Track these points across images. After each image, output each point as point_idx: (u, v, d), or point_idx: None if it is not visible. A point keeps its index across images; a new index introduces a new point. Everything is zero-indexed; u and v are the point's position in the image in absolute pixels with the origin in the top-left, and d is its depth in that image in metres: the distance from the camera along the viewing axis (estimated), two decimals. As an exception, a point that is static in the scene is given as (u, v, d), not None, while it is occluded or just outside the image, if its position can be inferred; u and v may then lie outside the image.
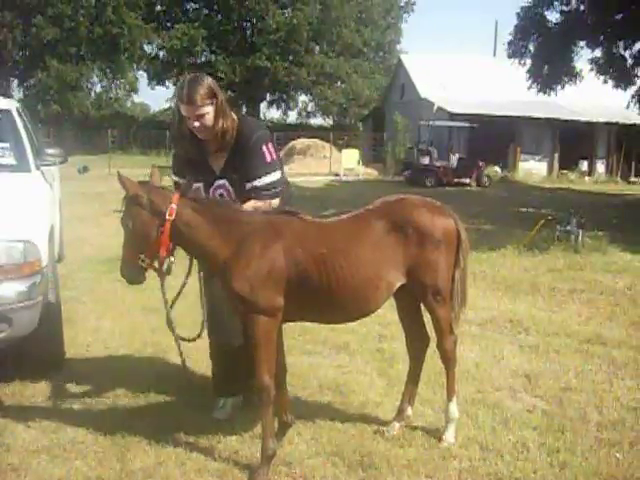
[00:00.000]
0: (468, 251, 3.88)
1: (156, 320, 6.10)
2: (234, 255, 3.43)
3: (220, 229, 3.47)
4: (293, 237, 3.50)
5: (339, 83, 43.94)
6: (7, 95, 20.63)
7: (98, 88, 45.86)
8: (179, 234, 3.45)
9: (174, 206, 3.43)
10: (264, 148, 3.79)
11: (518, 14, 20.57)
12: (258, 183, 3.77)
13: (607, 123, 29.65)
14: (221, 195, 3.93)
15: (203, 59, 44.27)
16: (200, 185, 3.92)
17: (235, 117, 3.84)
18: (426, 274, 3.67)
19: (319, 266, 3.47)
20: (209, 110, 3.68)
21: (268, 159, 3.80)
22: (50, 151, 6.13)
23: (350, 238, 3.58)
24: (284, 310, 3.51)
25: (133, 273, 3.53)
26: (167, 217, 3.41)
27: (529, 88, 21.32)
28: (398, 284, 3.68)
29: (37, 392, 4.49)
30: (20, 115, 6.47)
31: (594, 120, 29.38)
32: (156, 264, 3.50)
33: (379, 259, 3.58)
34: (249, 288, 3.40)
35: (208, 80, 3.73)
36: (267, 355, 3.47)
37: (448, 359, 3.95)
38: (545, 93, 21.21)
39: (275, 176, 3.82)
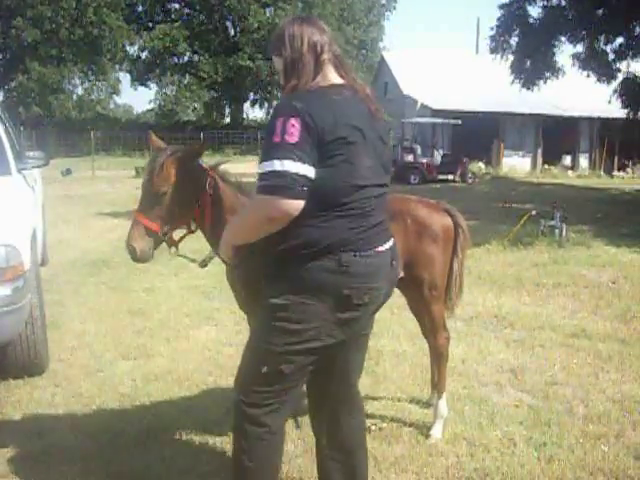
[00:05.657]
0: (468, 243, 3.92)
1: (141, 323, 6.09)
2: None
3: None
4: None
5: (322, 81, 43.81)
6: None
7: (80, 90, 45.59)
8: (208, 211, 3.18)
9: (210, 179, 3.13)
10: (276, 123, 2.56)
11: (500, 9, 20.69)
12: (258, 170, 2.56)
13: (589, 118, 29.87)
14: None
15: (185, 59, 44.14)
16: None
17: None
18: (423, 268, 3.68)
19: None
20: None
21: (275, 139, 2.53)
22: (31, 154, 6.09)
23: None
24: None
25: (147, 249, 3.03)
26: (207, 189, 3.11)
27: (512, 83, 21.44)
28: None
29: (21, 397, 4.43)
30: (0, 118, 6.41)
31: (577, 115, 29.59)
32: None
33: None
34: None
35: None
36: None
37: (440, 355, 3.96)
38: (528, 88, 21.33)
39: (272, 166, 2.46)
